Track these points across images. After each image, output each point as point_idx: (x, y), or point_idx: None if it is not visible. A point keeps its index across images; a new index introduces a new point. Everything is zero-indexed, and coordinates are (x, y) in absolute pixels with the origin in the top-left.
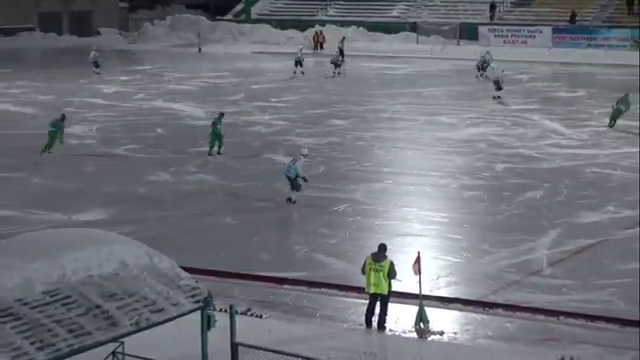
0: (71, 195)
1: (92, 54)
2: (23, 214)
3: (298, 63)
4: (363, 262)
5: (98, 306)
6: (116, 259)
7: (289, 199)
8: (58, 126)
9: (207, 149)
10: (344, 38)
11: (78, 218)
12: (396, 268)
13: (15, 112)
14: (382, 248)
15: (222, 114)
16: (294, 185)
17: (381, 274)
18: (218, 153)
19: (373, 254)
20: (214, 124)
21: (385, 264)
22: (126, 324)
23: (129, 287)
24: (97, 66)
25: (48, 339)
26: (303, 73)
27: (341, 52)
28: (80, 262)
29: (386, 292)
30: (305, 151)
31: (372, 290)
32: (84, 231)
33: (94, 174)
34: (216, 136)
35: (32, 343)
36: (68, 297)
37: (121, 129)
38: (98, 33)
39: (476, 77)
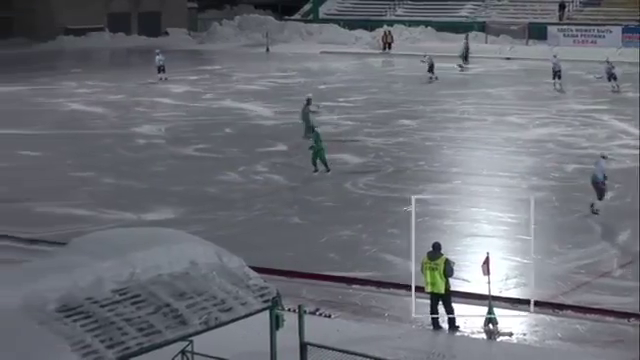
0: (141, 194)
1: (157, 58)
2: (94, 213)
3: (431, 68)
4: (421, 262)
5: (168, 305)
6: (186, 258)
7: (592, 206)
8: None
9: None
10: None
11: (148, 217)
12: (454, 267)
13: (85, 112)
14: (436, 246)
15: (309, 100)
16: (600, 191)
17: (436, 272)
18: (305, 136)
19: (428, 253)
20: (303, 113)
21: (440, 262)
22: (195, 323)
23: (198, 286)
24: (162, 71)
25: (118, 337)
26: (437, 78)
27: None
28: (150, 261)
29: (443, 290)
30: (605, 153)
31: (429, 289)
32: (154, 230)
33: (164, 174)
34: (307, 122)
35: (102, 341)
36: (138, 296)
37: (190, 129)
38: (166, 33)
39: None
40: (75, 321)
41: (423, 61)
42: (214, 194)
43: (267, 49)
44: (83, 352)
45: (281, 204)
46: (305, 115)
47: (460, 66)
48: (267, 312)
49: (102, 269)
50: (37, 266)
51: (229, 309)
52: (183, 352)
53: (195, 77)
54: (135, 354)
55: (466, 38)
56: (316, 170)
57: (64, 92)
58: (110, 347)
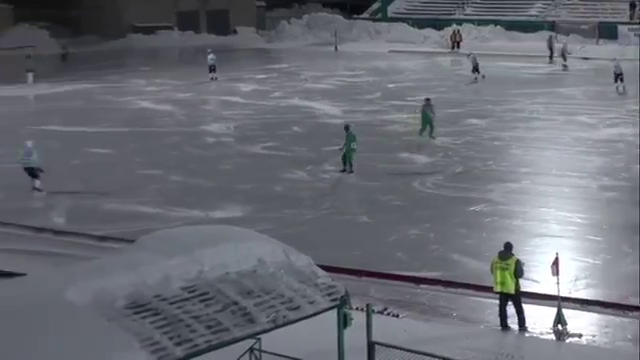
0: (209, 192)
1: (209, 57)
2: (162, 211)
3: (475, 68)
4: (491, 262)
5: (236, 303)
6: (254, 256)
7: None
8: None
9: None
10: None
11: (215, 215)
12: (523, 267)
13: (153, 109)
14: (508, 247)
15: (428, 99)
16: None
17: (507, 272)
18: (431, 137)
19: (499, 252)
20: (423, 111)
21: (511, 262)
22: (263, 321)
23: (266, 284)
24: (213, 70)
25: (186, 335)
26: (484, 77)
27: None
28: (218, 259)
29: (513, 291)
30: None
31: (498, 289)
32: (222, 228)
33: (231, 172)
34: (427, 121)
35: (170, 338)
36: (206, 293)
37: (258, 127)
38: (235, 32)
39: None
40: (144, 318)
41: (468, 56)
42: (282, 192)
43: (335, 48)
44: (152, 349)
45: (349, 203)
46: (424, 114)
47: (564, 66)
48: (335, 311)
49: (170, 267)
50: (106, 263)
51: (297, 307)
52: (251, 350)
53: (263, 76)
54: (203, 351)
55: (555, 38)
56: (344, 170)
57: (133, 90)
58: (178, 344)
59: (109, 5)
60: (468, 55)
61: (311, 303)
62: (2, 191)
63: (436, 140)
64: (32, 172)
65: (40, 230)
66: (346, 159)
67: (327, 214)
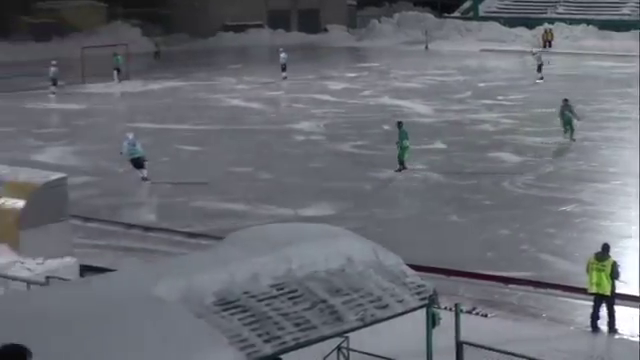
0: (298, 190)
1: (281, 56)
2: (251, 208)
3: (539, 68)
4: (587, 262)
5: (324, 301)
6: (342, 255)
7: None
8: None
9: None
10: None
11: (305, 213)
12: (619, 269)
13: (243, 107)
14: (605, 248)
15: (566, 100)
16: None
17: (603, 274)
18: (572, 139)
19: (596, 254)
20: (562, 112)
21: (607, 263)
22: (351, 319)
23: (355, 283)
24: (284, 69)
25: (274, 332)
26: (542, 79)
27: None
28: (306, 257)
29: (608, 292)
30: None
31: (594, 289)
32: (311, 226)
33: (321, 170)
34: (567, 122)
35: (259, 335)
36: (294, 291)
37: (348, 125)
38: (326, 30)
39: None
40: (232, 315)
41: (534, 53)
42: (371, 191)
43: (426, 47)
44: (240, 346)
45: (439, 202)
46: (562, 115)
47: None
48: (423, 310)
49: (259, 264)
50: (195, 260)
51: (385, 306)
52: (339, 348)
53: (353, 74)
54: (291, 349)
55: None
56: (400, 169)
57: (223, 88)
58: (267, 341)
59: (201, 3)
60: (533, 54)
61: (400, 302)
62: (94, 187)
63: (575, 142)
64: (138, 162)
65: (130, 226)
66: (400, 157)
67: (417, 213)
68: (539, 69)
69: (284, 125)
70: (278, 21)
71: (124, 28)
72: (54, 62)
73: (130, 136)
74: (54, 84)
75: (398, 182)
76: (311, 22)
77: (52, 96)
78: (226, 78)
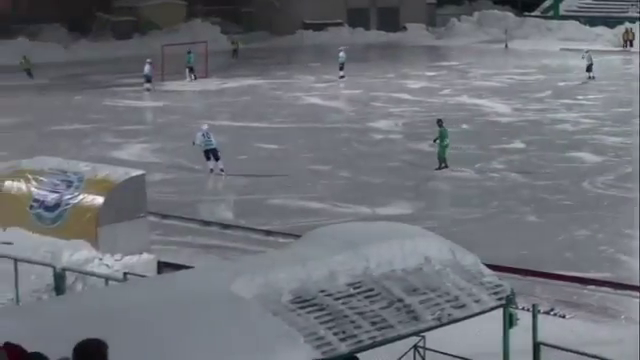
0: (376, 189)
1: (340, 55)
2: (329, 206)
3: (589, 67)
4: None
5: (401, 300)
6: (420, 254)
7: None
8: None
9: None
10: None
11: (382, 212)
12: None
13: (322, 106)
14: None
15: None
16: None
17: None
18: None
19: None
20: None
21: None
22: (428, 319)
23: (432, 282)
24: (341, 68)
25: (351, 330)
26: (594, 78)
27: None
28: (384, 255)
29: None
30: None
31: None
32: (388, 224)
33: (399, 168)
34: None
35: (335, 334)
36: (371, 290)
37: (426, 124)
38: (405, 28)
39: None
40: (309, 313)
41: (586, 52)
42: (449, 190)
43: (505, 45)
44: (316, 344)
45: (517, 202)
46: None
47: None
48: (501, 310)
49: (336, 262)
50: (272, 257)
51: (462, 306)
52: (415, 347)
53: (432, 73)
54: (367, 347)
55: None
56: (440, 167)
57: (302, 86)
58: (343, 340)
59: (281, 2)
60: (586, 52)
61: (477, 302)
62: (172, 185)
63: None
64: (214, 154)
65: (208, 223)
66: (440, 156)
67: (495, 213)
68: (588, 69)
69: (362, 123)
70: (357, 19)
71: (204, 26)
72: (149, 60)
73: (204, 127)
74: (148, 81)
75: (476, 181)
76: (390, 20)
77: (147, 93)
78: (305, 76)
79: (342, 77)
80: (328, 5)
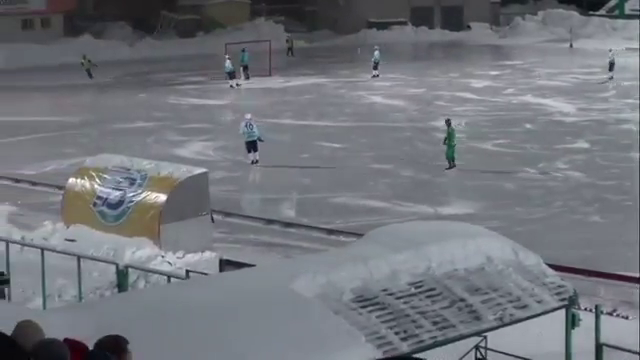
0: (438, 188)
1: (375, 54)
2: (391, 205)
3: (611, 66)
4: None
5: (462, 299)
6: (482, 253)
7: None
8: None
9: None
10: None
11: (445, 211)
12: None
13: (384, 104)
14: None
15: None
16: None
17: None
18: None
19: None
20: None
21: None
22: (490, 319)
23: (494, 282)
24: (375, 67)
25: (412, 330)
26: (612, 78)
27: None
28: (446, 255)
29: None
30: None
31: None
32: (450, 224)
33: (461, 168)
34: None
35: (396, 333)
36: (433, 289)
37: (490, 124)
38: (469, 27)
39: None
40: (370, 312)
41: (610, 52)
42: (512, 190)
43: (570, 45)
44: (378, 343)
45: (581, 202)
46: None
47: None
48: (563, 311)
49: (398, 261)
50: (334, 256)
51: (524, 306)
52: (477, 347)
53: (496, 72)
54: (428, 347)
55: None
56: (449, 167)
57: (365, 85)
58: (404, 339)
59: (345, 0)
60: (610, 51)
61: (539, 302)
62: (235, 183)
63: None
64: (254, 145)
65: (270, 222)
66: (448, 155)
67: (558, 213)
68: (611, 68)
69: (425, 122)
70: (421, 18)
71: (267, 25)
72: (228, 56)
73: (248, 116)
74: (232, 77)
75: (539, 181)
76: (454, 19)
77: (235, 87)
78: (368, 75)
79: (376, 76)
80: (392, 4)
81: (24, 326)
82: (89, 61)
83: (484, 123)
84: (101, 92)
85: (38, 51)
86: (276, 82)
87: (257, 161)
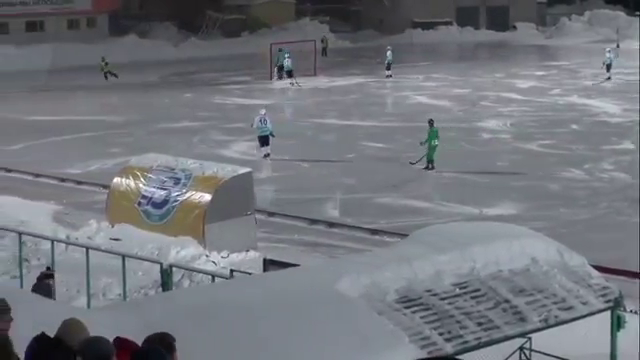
0: (483, 189)
1: (388, 54)
2: (435, 206)
3: (609, 67)
4: None
5: (507, 300)
6: (527, 254)
7: None
8: None
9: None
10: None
11: (489, 212)
12: None
13: (429, 105)
14: None
15: None
16: None
17: None
18: None
19: None
20: None
21: None
22: (534, 320)
23: (539, 283)
24: (388, 68)
25: (456, 331)
26: (610, 78)
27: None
28: (490, 256)
29: None
30: None
31: None
32: (495, 225)
33: (507, 169)
34: None
35: (441, 334)
36: (477, 290)
37: (535, 124)
38: (514, 28)
39: None
40: (414, 312)
41: (609, 52)
42: (557, 191)
43: (617, 45)
44: (421, 344)
45: (626, 203)
46: None
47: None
48: (608, 312)
49: (442, 262)
50: (378, 257)
51: (569, 308)
52: (521, 349)
53: (542, 72)
54: (473, 348)
55: None
56: (427, 167)
57: (410, 85)
58: (448, 340)
59: (390, 0)
60: (608, 51)
61: (584, 304)
62: (279, 182)
63: None
64: (267, 140)
65: (314, 222)
66: (428, 156)
67: (603, 214)
68: (608, 68)
69: (470, 123)
70: (467, 18)
71: (312, 25)
72: (287, 55)
73: (262, 112)
74: (290, 75)
75: (584, 182)
76: (500, 19)
77: (295, 85)
78: (414, 75)
79: (389, 76)
80: (438, 3)
81: (69, 324)
82: (106, 64)
83: (529, 124)
84: (146, 92)
85: (84, 51)
86: (321, 82)
87: (269, 154)
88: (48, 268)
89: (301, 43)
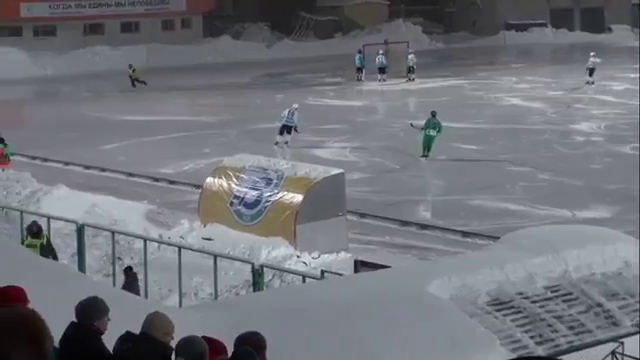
0: (576, 192)
1: (409, 57)
2: (528, 209)
3: (591, 72)
4: None
5: (599, 304)
6: (620, 258)
7: None
8: None
9: None
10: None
11: (582, 215)
12: None
13: (524, 107)
14: None
15: None
16: None
17: None
18: None
19: None
20: None
21: None
22: (627, 324)
23: (632, 287)
24: (409, 71)
25: (548, 334)
26: (593, 83)
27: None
28: (583, 259)
29: None
30: None
31: None
32: (588, 228)
33: (600, 171)
34: None
35: (532, 337)
36: (569, 294)
37: (629, 127)
38: (609, 30)
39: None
40: (505, 315)
41: (593, 56)
42: None
43: None
44: (512, 347)
45: None
46: None
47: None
48: None
49: (534, 265)
50: (470, 259)
51: None
52: (613, 353)
53: (636, 75)
54: (564, 352)
55: None
56: (424, 156)
57: (504, 87)
58: (539, 344)
59: (483, 2)
60: (592, 55)
61: None
62: (371, 184)
63: None
64: (289, 130)
65: (406, 223)
66: (424, 144)
67: None
68: (591, 73)
69: (564, 125)
70: (561, 20)
71: (405, 26)
72: (381, 52)
73: (295, 106)
74: (381, 72)
75: None
76: (595, 21)
77: (382, 82)
78: (507, 77)
79: (412, 80)
80: (531, 5)
81: (153, 318)
82: (134, 70)
83: (623, 126)
84: (239, 93)
85: (178, 51)
86: (413, 83)
87: (287, 142)
88: (130, 268)
89: (394, 45)
